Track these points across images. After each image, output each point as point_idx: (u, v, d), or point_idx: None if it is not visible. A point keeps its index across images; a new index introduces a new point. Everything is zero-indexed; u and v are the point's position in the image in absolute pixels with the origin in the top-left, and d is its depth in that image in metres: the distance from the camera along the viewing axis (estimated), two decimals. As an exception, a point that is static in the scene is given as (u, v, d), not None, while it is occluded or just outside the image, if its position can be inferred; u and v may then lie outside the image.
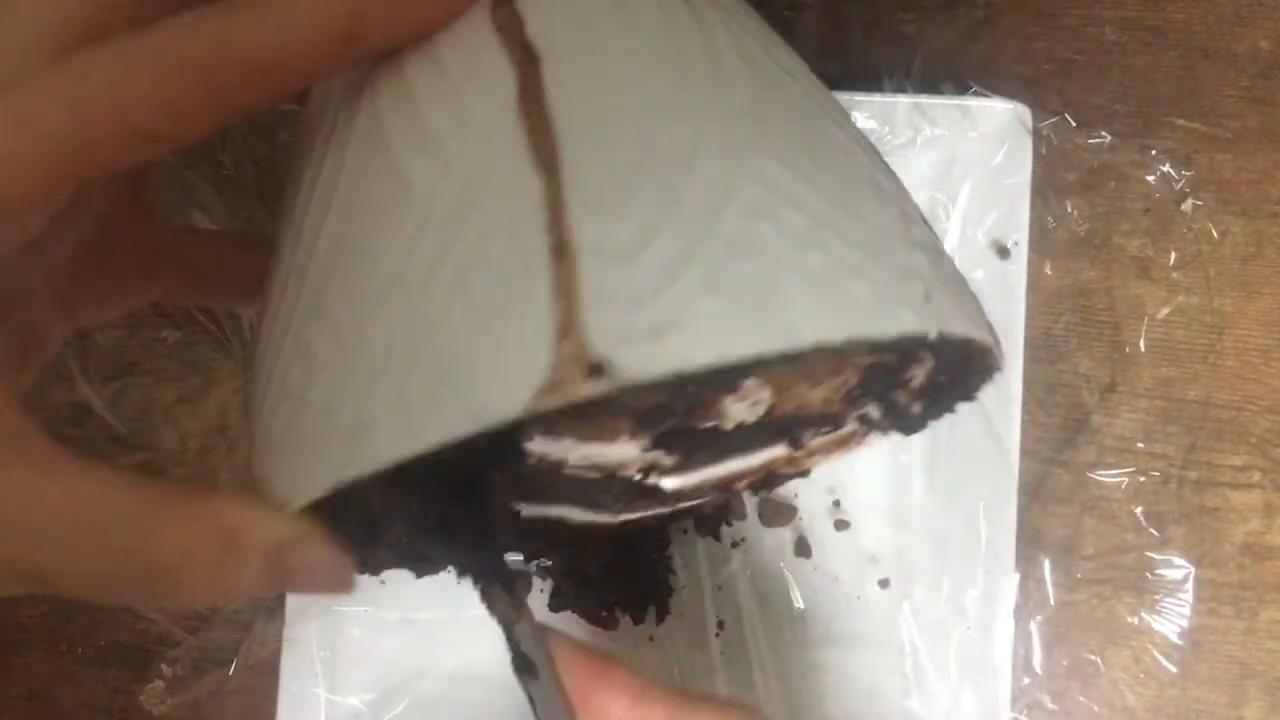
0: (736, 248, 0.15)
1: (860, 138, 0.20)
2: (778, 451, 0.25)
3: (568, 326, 0.14)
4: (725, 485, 0.25)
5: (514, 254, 0.15)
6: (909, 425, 0.24)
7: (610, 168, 0.15)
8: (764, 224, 0.15)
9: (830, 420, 0.24)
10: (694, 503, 0.26)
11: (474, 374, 0.14)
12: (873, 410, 0.24)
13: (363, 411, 0.16)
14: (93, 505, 0.16)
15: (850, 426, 0.25)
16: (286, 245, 0.19)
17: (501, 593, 0.21)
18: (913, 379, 0.23)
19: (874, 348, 0.16)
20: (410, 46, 0.17)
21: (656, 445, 0.24)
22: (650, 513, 0.26)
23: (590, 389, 0.14)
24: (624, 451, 0.23)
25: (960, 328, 0.17)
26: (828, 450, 0.25)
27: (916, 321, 0.16)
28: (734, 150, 0.16)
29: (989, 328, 0.19)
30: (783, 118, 0.17)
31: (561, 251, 0.14)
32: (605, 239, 0.15)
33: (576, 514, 0.25)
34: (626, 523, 0.27)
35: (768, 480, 0.26)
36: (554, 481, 0.24)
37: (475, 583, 0.21)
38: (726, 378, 0.17)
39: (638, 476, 0.24)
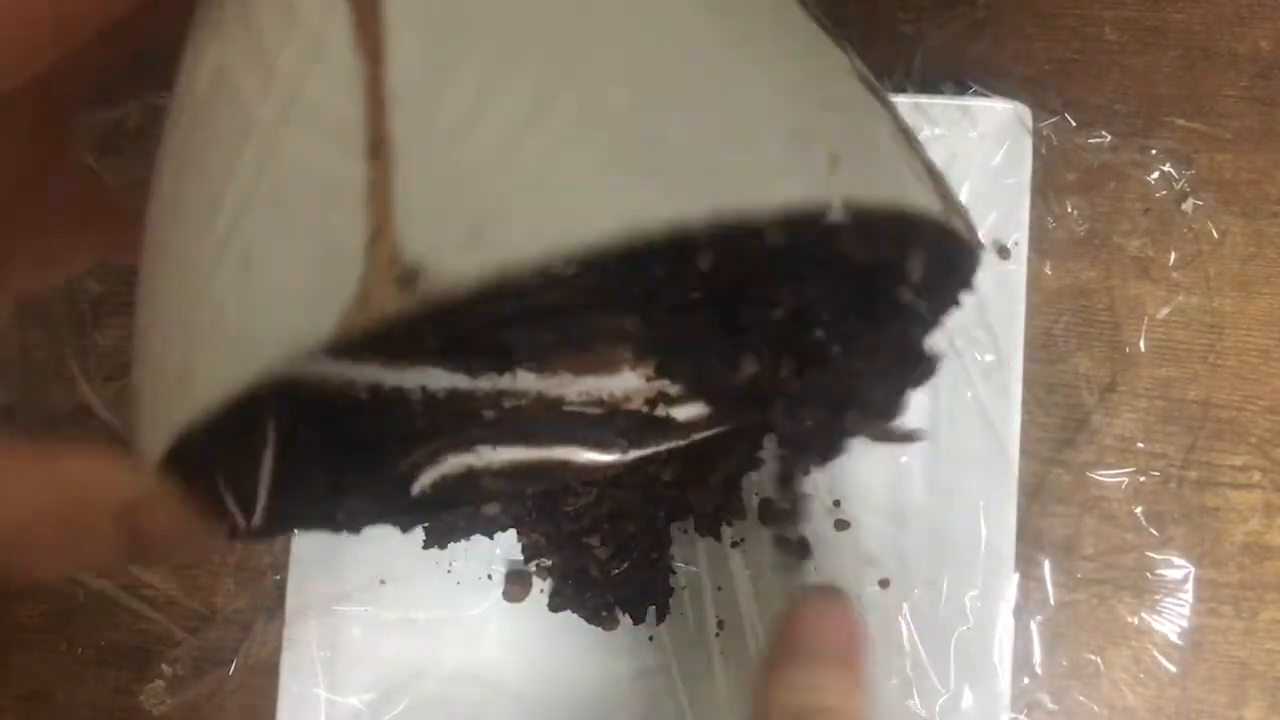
0: (573, 124, 0.13)
1: None
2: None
3: (380, 231, 0.12)
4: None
5: (329, 159, 0.13)
6: (917, 325, 0.23)
7: (436, 48, 0.13)
8: (611, 91, 0.13)
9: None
10: (710, 433, 0.25)
11: (287, 298, 0.13)
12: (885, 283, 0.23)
13: (188, 352, 0.14)
14: None
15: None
16: (154, 177, 0.17)
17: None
18: (911, 274, 0.22)
19: (757, 224, 0.13)
20: None
21: (661, 374, 0.23)
22: (664, 448, 0.25)
23: (402, 300, 0.12)
24: (627, 382, 0.23)
25: (879, 193, 0.15)
26: None
27: (809, 190, 0.14)
28: (585, 9, 0.14)
29: (941, 197, 0.16)
30: None
31: (378, 148, 0.13)
32: (423, 130, 0.13)
33: (582, 455, 0.25)
34: (637, 463, 0.26)
35: None
36: (553, 419, 0.23)
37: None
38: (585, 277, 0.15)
39: (645, 409, 0.23)
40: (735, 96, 0.14)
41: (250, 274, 0.14)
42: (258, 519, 0.18)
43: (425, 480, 0.23)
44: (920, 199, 0.16)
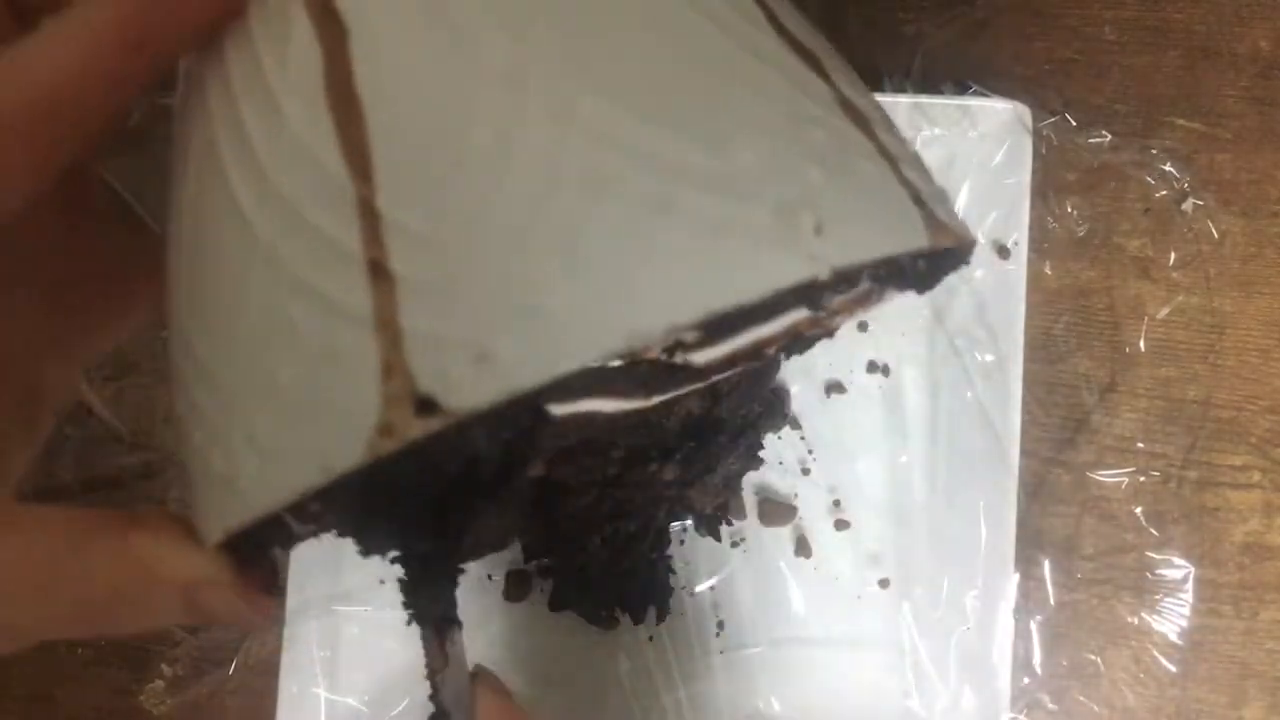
0: (562, 248, 0.13)
1: (743, 22, 0.16)
2: (800, 314, 0.25)
3: (392, 362, 0.13)
4: (755, 352, 0.25)
5: (333, 281, 0.14)
6: (919, 283, 0.23)
7: (423, 167, 0.14)
8: (596, 204, 0.14)
9: (845, 279, 0.23)
10: (729, 373, 0.25)
11: (314, 421, 0.14)
12: (882, 267, 0.24)
13: (229, 460, 0.15)
14: (29, 552, 0.16)
15: (865, 285, 0.24)
16: (167, 261, 0.17)
17: (432, 637, 0.20)
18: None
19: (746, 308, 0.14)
20: (226, 30, 0.16)
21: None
22: (685, 390, 0.26)
23: (422, 428, 0.13)
24: None
25: (864, 252, 0.15)
26: (849, 309, 0.25)
27: (799, 267, 0.14)
28: (560, 116, 0.14)
29: (922, 223, 0.17)
30: (627, 42, 0.15)
31: (378, 273, 0.13)
32: (421, 255, 0.13)
33: (607, 405, 0.25)
34: (664, 405, 0.26)
35: (796, 344, 0.26)
36: (577, 374, 0.23)
37: (416, 620, 0.21)
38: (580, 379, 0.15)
39: (663, 356, 0.24)
40: (724, 176, 0.14)
41: (275, 399, 0.14)
42: (311, 528, 0.19)
43: None
44: (903, 239, 0.16)
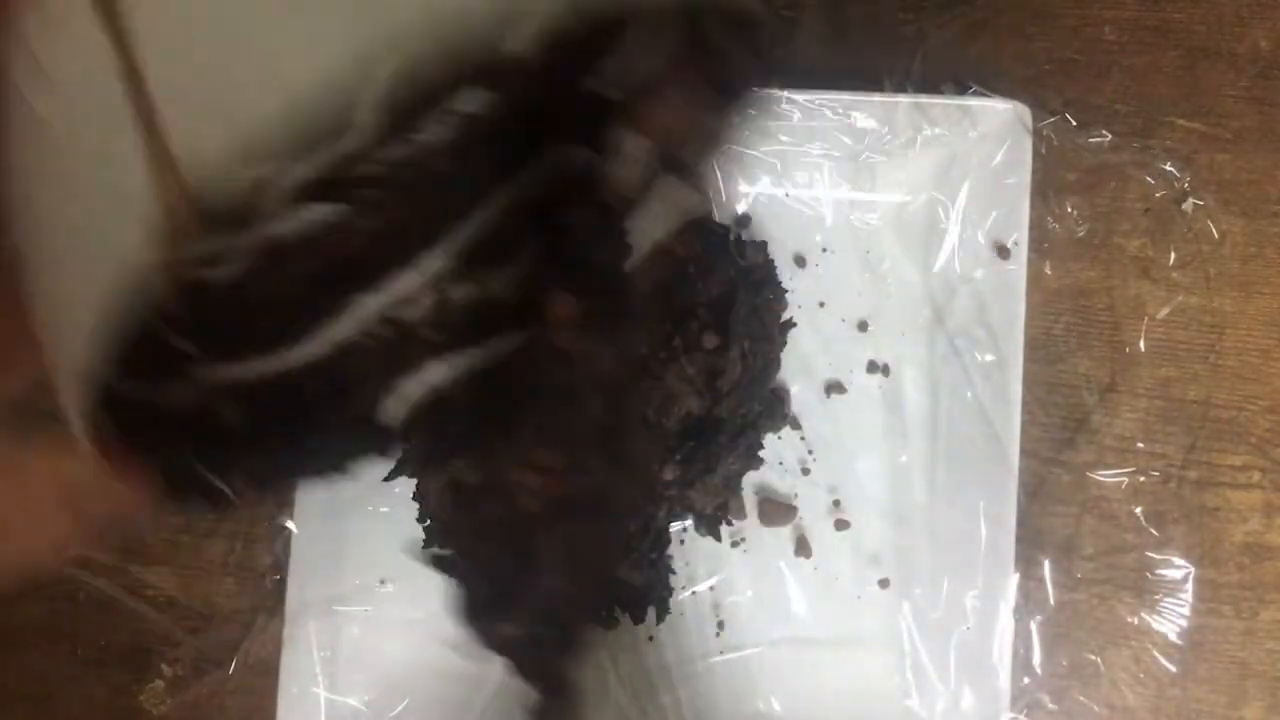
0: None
1: None
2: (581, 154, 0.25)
3: (167, 182, 0.14)
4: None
5: (108, 132, 0.15)
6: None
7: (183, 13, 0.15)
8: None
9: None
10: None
11: (98, 252, 0.15)
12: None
13: (51, 306, 0.16)
14: None
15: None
16: None
17: (560, 701, 0.21)
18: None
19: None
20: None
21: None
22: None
23: (201, 226, 0.14)
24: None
25: None
26: (629, 172, 0.25)
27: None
28: None
29: None
30: None
31: (150, 121, 0.14)
32: (178, 86, 0.14)
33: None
34: None
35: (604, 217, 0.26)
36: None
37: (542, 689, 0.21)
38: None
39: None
40: None
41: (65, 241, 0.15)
42: (239, 487, 0.19)
43: (394, 411, 0.23)
44: None
